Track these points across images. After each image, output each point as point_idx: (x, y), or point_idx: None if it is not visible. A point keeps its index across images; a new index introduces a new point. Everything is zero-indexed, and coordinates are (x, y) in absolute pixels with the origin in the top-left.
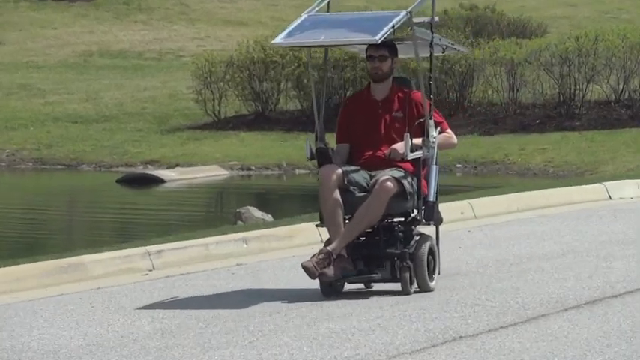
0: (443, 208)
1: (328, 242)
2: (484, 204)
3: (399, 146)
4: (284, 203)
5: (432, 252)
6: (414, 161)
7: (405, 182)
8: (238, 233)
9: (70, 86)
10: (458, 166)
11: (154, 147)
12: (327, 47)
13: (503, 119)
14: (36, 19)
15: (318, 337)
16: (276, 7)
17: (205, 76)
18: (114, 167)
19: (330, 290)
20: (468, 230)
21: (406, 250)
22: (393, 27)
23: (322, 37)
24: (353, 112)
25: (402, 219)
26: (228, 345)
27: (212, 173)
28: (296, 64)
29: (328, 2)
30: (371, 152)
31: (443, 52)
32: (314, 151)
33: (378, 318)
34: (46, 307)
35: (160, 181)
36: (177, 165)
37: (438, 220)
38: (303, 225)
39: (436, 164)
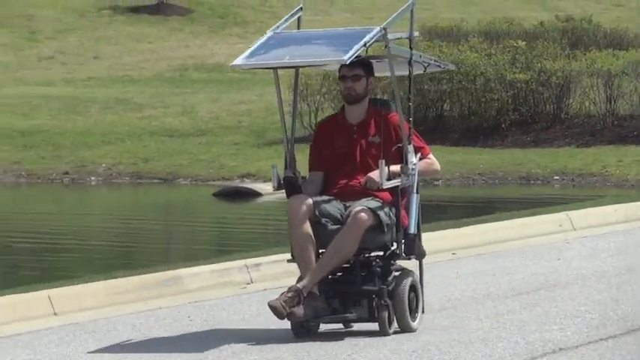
0: (540, 220)
1: (300, 279)
2: (582, 216)
3: (376, 174)
4: None
5: (413, 288)
6: (392, 190)
7: (381, 213)
8: None
9: (166, 100)
10: (555, 178)
11: (250, 160)
12: (292, 67)
13: (600, 131)
14: (131, 33)
15: (418, 350)
16: (371, 19)
17: (301, 89)
18: (210, 181)
19: (303, 331)
20: (567, 242)
21: (384, 286)
22: (364, 45)
23: (287, 57)
24: (326, 137)
25: (381, 253)
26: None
27: None
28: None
29: (298, 18)
30: (345, 181)
31: (424, 70)
32: (281, 179)
33: (477, 330)
34: (144, 321)
35: (256, 194)
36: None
37: (419, 254)
38: None
39: (417, 192)
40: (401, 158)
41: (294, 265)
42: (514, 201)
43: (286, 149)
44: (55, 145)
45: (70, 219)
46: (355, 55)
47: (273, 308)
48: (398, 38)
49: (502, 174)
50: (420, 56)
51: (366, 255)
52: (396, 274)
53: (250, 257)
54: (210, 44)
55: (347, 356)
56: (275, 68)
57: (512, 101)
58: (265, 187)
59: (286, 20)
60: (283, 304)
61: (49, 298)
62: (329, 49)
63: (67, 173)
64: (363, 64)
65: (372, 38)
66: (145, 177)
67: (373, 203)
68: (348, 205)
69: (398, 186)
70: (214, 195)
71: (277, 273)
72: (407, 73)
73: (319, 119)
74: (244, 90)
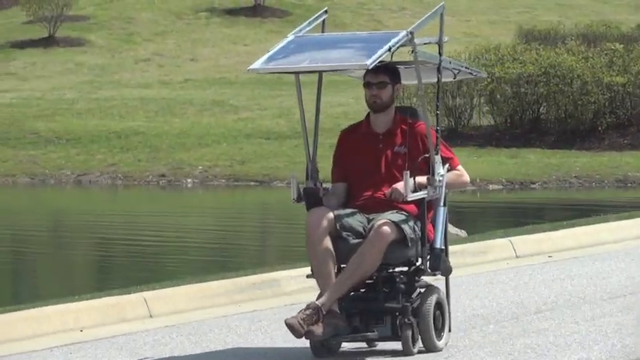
0: (637, 223)
1: (320, 296)
2: None
3: (401, 185)
4: (478, 219)
5: (439, 306)
6: (418, 203)
7: (405, 227)
8: None
9: (263, 102)
10: None
11: None
12: (312, 72)
13: None
14: (228, 35)
15: (514, 353)
16: (470, 22)
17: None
18: None
19: (323, 350)
20: None
21: (408, 304)
22: (389, 49)
23: (307, 62)
24: (350, 147)
25: (405, 268)
26: None
27: None
28: (489, 80)
29: (323, 21)
30: (370, 193)
31: (454, 78)
32: (301, 191)
33: (574, 334)
34: (240, 323)
35: None
36: None
37: (445, 270)
38: (497, 241)
39: (444, 205)
40: (428, 169)
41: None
42: (610, 204)
43: (307, 158)
44: (151, 148)
45: (166, 221)
46: (378, 60)
47: (290, 326)
48: (426, 43)
49: (598, 177)
50: (450, 62)
51: (390, 270)
52: (421, 290)
53: None
54: None
55: None
56: (294, 73)
57: (609, 104)
58: None
59: (309, 23)
60: (301, 321)
61: (144, 300)
62: (351, 54)
63: (163, 175)
64: (389, 71)
65: (397, 43)
66: (241, 179)
67: (397, 216)
68: (371, 218)
69: (424, 198)
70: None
71: None
72: (435, 80)
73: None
74: (341, 92)
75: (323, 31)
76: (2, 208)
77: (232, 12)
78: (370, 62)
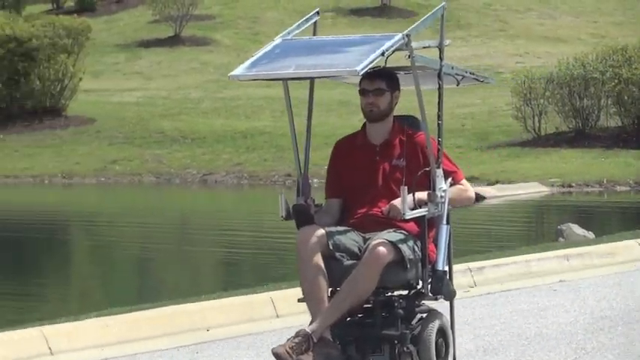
0: None
1: (311, 322)
2: None
3: (400, 202)
4: (605, 220)
5: (442, 333)
6: (419, 221)
7: (403, 247)
8: (560, 250)
9: None
10: None
11: (473, 163)
12: (297, 79)
13: None
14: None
15: None
16: (596, 23)
17: (525, 93)
18: None
19: None
20: None
21: (407, 331)
22: (382, 54)
23: (292, 68)
24: (345, 159)
25: (405, 292)
26: None
27: (532, 190)
28: (616, 81)
29: (314, 23)
30: (365, 209)
31: (457, 84)
32: (290, 208)
33: None
34: None
35: (480, 197)
36: (497, 182)
37: (448, 294)
38: (625, 242)
39: (447, 223)
40: (428, 184)
41: (516, 268)
42: None
43: (298, 172)
44: (277, 147)
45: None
46: (370, 65)
47: (277, 356)
48: (425, 47)
49: None
50: (452, 68)
51: (388, 294)
52: (422, 316)
53: (473, 261)
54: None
55: None
56: (276, 80)
57: None
58: (489, 191)
59: (298, 26)
60: (289, 350)
61: (271, 300)
62: (341, 59)
63: (289, 175)
64: (387, 77)
65: (392, 46)
66: None
67: (395, 235)
68: (367, 237)
69: (424, 216)
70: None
71: (500, 277)
72: (436, 87)
73: (542, 124)
74: (467, 93)
75: (315, 34)
76: (130, 206)
77: (358, 12)
78: (361, 68)
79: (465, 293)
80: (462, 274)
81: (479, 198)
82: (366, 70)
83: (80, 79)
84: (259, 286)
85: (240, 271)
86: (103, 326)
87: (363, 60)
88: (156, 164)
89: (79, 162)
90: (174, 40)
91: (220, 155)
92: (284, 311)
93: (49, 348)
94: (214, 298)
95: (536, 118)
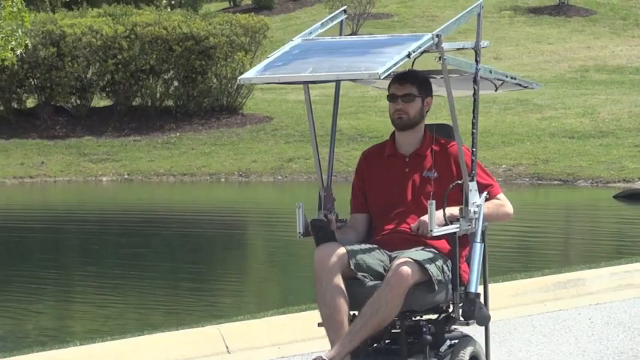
0: None
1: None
2: None
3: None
4: None
5: None
6: (450, 239)
7: (430, 267)
8: None
9: (567, 101)
10: None
11: None
12: (313, 83)
13: None
14: (531, 34)
15: None
16: None
17: None
18: (610, 183)
19: None
20: None
21: (435, 358)
22: (408, 56)
23: (309, 70)
24: (371, 171)
25: (434, 316)
26: None
27: None
28: None
29: (341, 23)
30: (393, 225)
31: (496, 89)
32: (309, 224)
33: None
34: (544, 323)
35: None
36: None
37: (482, 319)
38: None
39: (482, 242)
40: (461, 198)
41: None
42: None
43: (320, 184)
44: None
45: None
46: (393, 68)
47: None
48: (459, 48)
49: None
50: (491, 72)
51: (415, 318)
52: (453, 342)
53: None
54: (611, 46)
55: None
56: (290, 83)
57: None
58: None
59: (323, 25)
60: None
61: None
62: (364, 61)
63: None
64: (418, 81)
65: (420, 48)
66: (545, 178)
67: (422, 254)
68: (394, 255)
69: (455, 233)
70: (615, 197)
71: None
72: (470, 93)
73: None
74: None
75: (340, 34)
76: (307, 204)
77: (536, 10)
78: (383, 71)
79: None
80: None
81: None
82: (388, 73)
83: None
84: None
85: None
86: (279, 325)
87: (386, 62)
88: (335, 163)
89: (255, 160)
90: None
91: None
92: None
93: (226, 346)
94: None
95: None
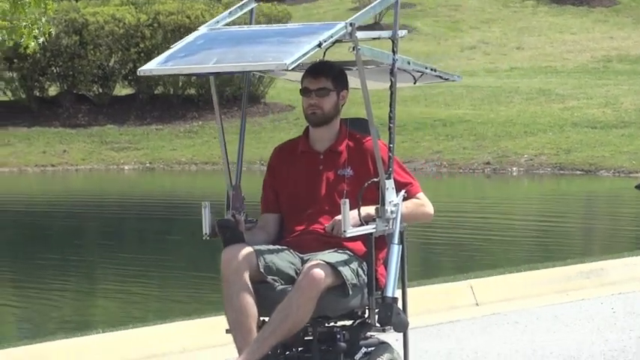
0: None
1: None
2: None
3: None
4: None
5: None
6: (366, 240)
7: (344, 270)
8: None
9: (589, 91)
10: None
11: None
12: (217, 74)
13: None
14: (554, 24)
15: None
16: None
17: None
18: (633, 173)
19: None
20: None
21: None
22: (319, 45)
23: (213, 61)
24: (283, 169)
25: (349, 322)
26: None
27: None
28: None
29: (251, 11)
30: (305, 226)
31: (414, 82)
32: (215, 224)
33: None
34: (566, 312)
35: None
36: None
37: (399, 325)
38: None
39: (399, 243)
40: (377, 197)
41: None
42: None
43: (229, 182)
44: (477, 135)
45: (491, 209)
46: (302, 59)
47: None
48: (375, 38)
49: None
50: (409, 63)
51: (328, 324)
52: (369, 350)
53: None
54: (634, 36)
55: None
56: (194, 75)
57: None
58: None
59: (231, 14)
60: None
61: (471, 287)
62: (272, 51)
63: (488, 163)
64: (332, 74)
65: (332, 37)
66: (567, 168)
67: (336, 256)
68: (306, 258)
69: (371, 234)
70: (637, 187)
71: None
72: (386, 85)
73: None
74: None
75: (251, 23)
76: None
77: (559, 0)
78: (291, 62)
79: None
80: None
81: None
82: (297, 64)
83: None
84: (459, 274)
85: (440, 260)
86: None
87: (295, 52)
88: None
89: None
90: (374, 28)
91: (420, 143)
92: (484, 299)
93: None
94: (415, 286)
95: None
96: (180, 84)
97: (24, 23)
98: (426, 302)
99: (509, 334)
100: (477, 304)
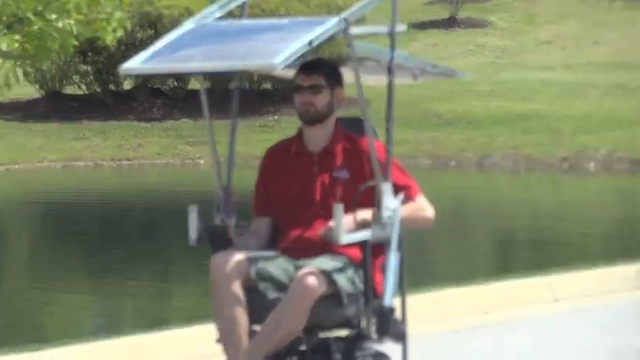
0: None
1: None
2: None
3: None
4: None
5: None
6: (363, 247)
7: (339, 278)
8: None
9: None
10: None
11: None
12: (202, 74)
13: None
14: (631, 18)
15: None
16: None
17: None
18: None
19: None
20: None
21: None
22: (310, 43)
23: (198, 60)
24: (276, 171)
25: (345, 332)
26: None
27: None
28: None
29: (243, 5)
30: (299, 231)
31: (415, 79)
32: (203, 230)
33: None
34: (628, 311)
35: None
36: None
37: (397, 335)
38: None
39: (397, 250)
40: (374, 201)
41: None
42: None
43: (218, 183)
44: (553, 130)
45: (567, 205)
46: (292, 57)
47: None
48: (371, 34)
49: None
50: (407, 59)
51: (323, 335)
52: None
53: None
54: None
55: None
56: (179, 74)
57: None
58: None
59: (221, 8)
60: None
61: (549, 283)
62: (262, 49)
63: (565, 159)
64: (325, 70)
65: (324, 34)
66: None
67: (330, 263)
68: (300, 264)
69: (367, 240)
70: None
71: None
72: (389, 81)
73: None
74: None
75: (241, 17)
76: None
77: None
78: (280, 61)
79: None
80: None
81: None
82: (286, 63)
83: None
84: (538, 269)
85: (518, 256)
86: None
87: (285, 51)
88: (431, 147)
89: None
90: (449, 23)
91: (496, 138)
92: (562, 295)
93: None
94: (493, 281)
95: None
96: (256, 78)
97: (101, 17)
98: (504, 296)
99: (586, 331)
100: (555, 300)
